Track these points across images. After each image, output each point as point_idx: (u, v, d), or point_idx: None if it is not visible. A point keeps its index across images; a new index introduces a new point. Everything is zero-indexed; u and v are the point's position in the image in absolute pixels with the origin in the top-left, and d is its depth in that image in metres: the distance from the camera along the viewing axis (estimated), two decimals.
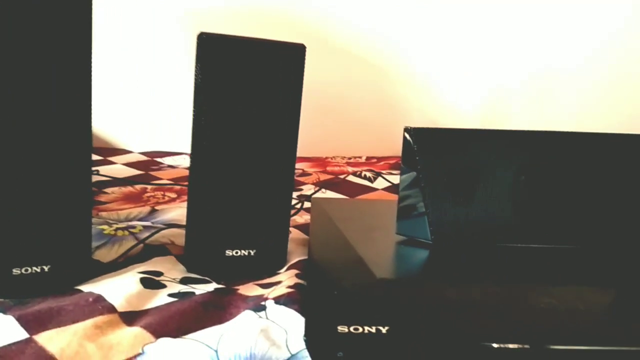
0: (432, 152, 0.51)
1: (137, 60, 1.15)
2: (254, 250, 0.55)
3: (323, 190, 0.90)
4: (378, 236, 0.55)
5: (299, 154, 1.23)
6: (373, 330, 0.37)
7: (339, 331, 0.37)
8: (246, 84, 0.52)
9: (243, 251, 0.55)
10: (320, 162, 1.15)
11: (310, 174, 1.02)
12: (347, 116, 1.24)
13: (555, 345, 0.36)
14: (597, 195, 0.52)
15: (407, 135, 0.51)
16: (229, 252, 0.55)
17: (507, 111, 1.32)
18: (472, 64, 1.29)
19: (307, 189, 0.90)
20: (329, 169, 1.08)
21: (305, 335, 0.36)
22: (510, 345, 0.36)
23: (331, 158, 1.19)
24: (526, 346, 0.36)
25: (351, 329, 0.37)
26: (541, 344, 0.36)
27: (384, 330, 0.37)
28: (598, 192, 0.52)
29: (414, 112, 1.28)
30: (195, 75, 0.51)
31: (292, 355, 0.40)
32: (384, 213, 0.54)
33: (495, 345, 0.36)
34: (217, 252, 0.54)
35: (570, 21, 1.27)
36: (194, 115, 0.52)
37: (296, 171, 1.03)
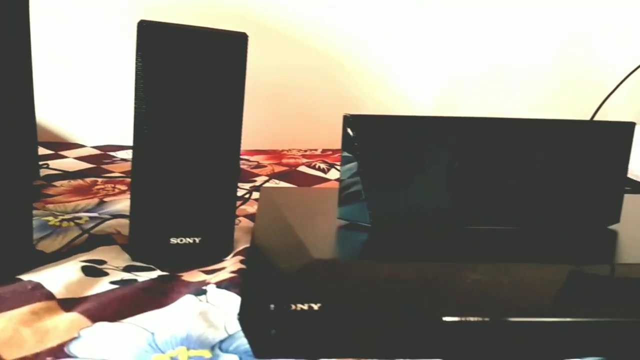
0: (371, 138, 0.52)
1: (91, 54, 1.14)
2: (199, 238, 0.56)
3: (276, 181, 0.91)
4: (320, 221, 0.56)
5: (255, 147, 1.24)
6: (306, 307, 0.38)
7: (272, 309, 0.37)
8: (187, 73, 0.52)
9: (188, 239, 0.55)
10: (276, 154, 1.16)
11: (265, 166, 1.03)
12: (303, 109, 1.25)
13: (478, 317, 0.38)
14: (528, 179, 0.54)
15: (346, 123, 0.52)
16: (173, 240, 0.55)
17: (463, 103, 1.35)
18: (429, 55, 1.31)
19: (261, 181, 0.91)
20: (284, 161, 1.08)
21: (239, 314, 0.37)
22: (436, 318, 0.38)
23: (287, 151, 1.20)
24: (453, 319, 0.38)
25: (284, 306, 0.38)
26: (465, 316, 0.38)
27: (316, 307, 0.38)
28: (528, 176, 0.54)
29: (370, 103, 1.29)
30: (136, 63, 0.51)
31: (230, 336, 0.41)
32: (330, 200, 0.55)
33: (421, 318, 0.38)
34: (162, 240, 0.55)
35: (528, 17, 1.31)
36: (135, 103, 0.52)
37: (251, 163, 1.04)
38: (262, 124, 1.26)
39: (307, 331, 0.38)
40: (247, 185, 0.85)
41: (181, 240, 0.55)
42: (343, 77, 1.28)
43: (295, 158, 1.12)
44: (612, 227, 0.56)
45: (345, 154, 0.53)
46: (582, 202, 0.55)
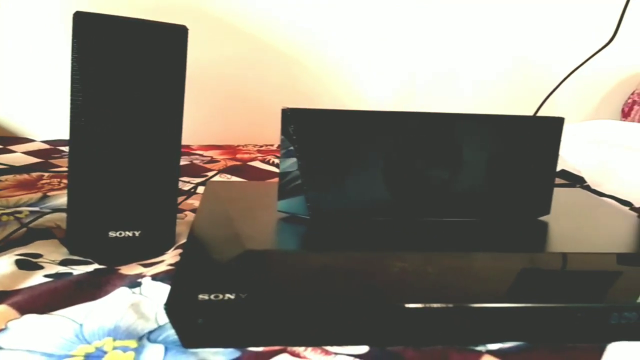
0: (308, 131, 0.53)
1: (42, 47, 1.12)
2: (139, 232, 0.56)
3: (228, 175, 0.91)
4: (261, 214, 0.56)
5: (211, 142, 1.24)
6: (233, 296, 0.38)
7: (200, 299, 0.38)
8: (124, 65, 0.52)
9: (127, 232, 0.55)
10: (231, 149, 1.16)
11: (218, 161, 1.02)
12: (261, 105, 1.25)
13: (402, 303, 0.39)
14: (462, 172, 0.55)
15: (284, 117, 0.53)
16: (112, 234, 0.55)
17: (419, 100, 1.37)
18: (387, 53, 1.32)
19: (219, 176, 0.91)
20: (238, 156, 1.08)
21: (166, 304, 0.37)
22: (360, 305, 0.39)
23: (243, 146, 1.20)
24: (377, 304, 0.39)
25: (212, 296, 0.38)
26: (390, 302, 0.39)
27: (243, 296, 0.38)
28: (462, 169, 0.55)
29: (326, 99, 1.30)
30: (72, 54, 0.51)
31: (160, 327, 0.41)
32: (274, 194, 0.55)
33: (344, 305, 0.39)
34: (100, 234, 0.54)
35: (480, 18, 1.33)
36: (71, 94, 0.51)
37: (204, 158, 1.04)
38: (219, 120, 1.26)
39: (234, 320, 0.38)
40: (198, 180, 0.85)
41: (120, 234, 0.55)
42: (301, 73, 1.29)
43: (250, 153, 1.12)
44: (543, 218, 0.58)
45: (285, 147, 0.53)
46: (514, 194, 0.57)
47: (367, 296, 0.40)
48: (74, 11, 0.51)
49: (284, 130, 0.53)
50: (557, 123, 0.56)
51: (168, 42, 0.54)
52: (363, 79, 1.33)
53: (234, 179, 0.89)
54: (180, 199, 0.71)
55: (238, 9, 1.23)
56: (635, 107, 1.36)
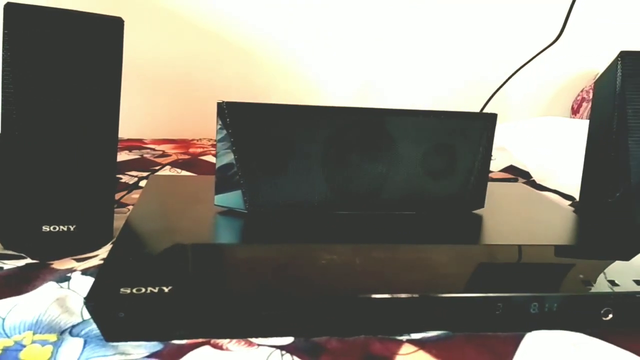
0: (244, 125, 0.53)
1: None
2: (74, 226, 0.55)
3: (177, 170, 0.90)
4: (199, 208, 0.56)
5: (165, 136, 1.23)
6: (156, 290, 0.38)
7: (122, 293, 0.38)
8: (57, 57, 0.51)
9: (62, 227, 0.55)
10: (185, 144, 1.15)
11: (170, 155, 1.02)
12: (216, 99, 1.24)
13: (326, 294, 0.40)
14: (398, 166, 0.56)
15: (220, 110, 0.53)
16: (46, 228, 0.54)
17: (375, 97, 1.38)
18: (345, 51, 1.33)
19: (163, 170, 0.90)
20: (191, 150, 1.08)
21: (86, 297, 0.37)
22: (285, 295, 0.39)
23: (197, 140, 1.19)
24: (301, 295, 0.39)
25: (134, 290, 0.38)
26: (314, 294, 0.40)
27: (166, 289, 0.38)
28: (398, 163, 0.56)
29: (281, 95, 1.31)
30: (2, 45, 0.50)
31: (84, 321, 0.41)
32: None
33: (270, 297, 0.39)
34: (33, 228, 0.54)
35: (434, 19, 1.35)
36: (2, 86, 0.51)
37: (156, 152, 1.03)
38: (174, 114, 1.25)
39: (158, 314, 0.38)
40: (146, 174, 0.84)
41: (54, 228, 0.54)
42: (258, 69, 1.29)
43: (203, 147, 1.12)
44: (477, 211, 0.60)
45: (221, 141, 0.53)
46: (449, 188, 0.58)
47: (292, 288, 0.41)
48: (4, 2, 0.50)
49: (220, 124, 0.53)
50: (490, 119, 0.58)
51: (102, 34, 0.53)
52: (321, 76, 1.33)
53: (184, 173, 0.89)
54: (122, 193, 0.71)
55: (196, 5, 1.22)
56: (584, 104, 1.40)
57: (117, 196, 0.70)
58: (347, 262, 0.45)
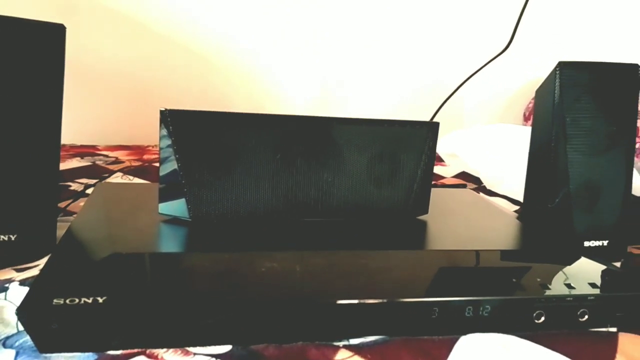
0: (188, 133, 0.53)
1: None
2: (15, 235, 0.54)
3: (129, 177, 0.89)
4: (143, 217, 0.56)
5: (119, 142, 1.21)
6: (90, 300, 0.38)
7: (55, 303, 0.37)
8: None
9: (2, 236, 0.54)
10: (139, 150, 1.14)
11: (123, 162, 1.01)
12: (172, 105, 1.24)
13: (264, 301, 0.40)
14: (343, 174, 0.57)
15: (163, 117, 0.53)
16: None
17: (333, 103, 1.39)
18: (303, 56, 1.34)
19: (114, 177, 0.89)
20: (145, 156, 1.07)
21: (18, 308, 0.37)
22: (222, 303, 0.39)
23: (153, 146, 1.18)
24: (238, 303, 0.40)
25: (67, 300, 0.38)
26: (251, 300, 0.40)
27: (100, 300, 0.38)
28: (343, 171, 0.57)
29: (240, 101, 1.30)
30: None
31: (19, 332, 0.41)
32: None
33: (207, 306, 0.39)
34: None
35: (391, 27, 1.37)
36: None
37: (108, 159, 1.02)
38: (128, 120, 1.24)
39: (92, 324, 0.38)
40: (94, 181, 0.83)
41: None
42: (213, 72, 1.28)
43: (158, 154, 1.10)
44: (421, 217, 0.61)
45: (164, 149, 0.53)
46: (393, 195, 0.59)
47: (229, 295, 0.41)
48: None
49: (164, 132, 0.53)
50: (432, 127, 0.59)
51: (42, 40, 0.52)
52: (281, 81, 1.34)
53: (136, 180, 0.88)
54: (68, 201, 0.69)
55: (152, 10, 1.21)
56: None
57: (63, 204, 0.69)
58: (288, 269, 0.45)
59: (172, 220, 0.55)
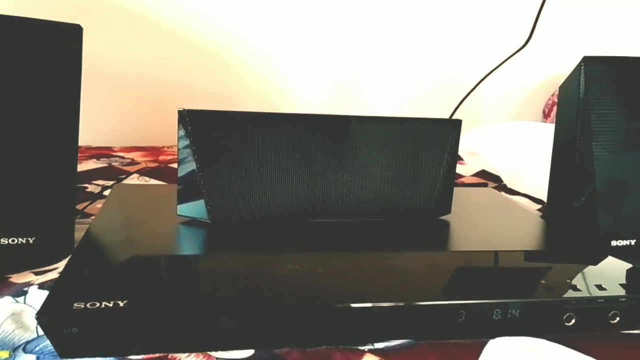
0: (206, 133, 0.52)
1: None
2: (33, 238, 0.54)
3: (146, 178, 0.89)
4: (161, 218, 0.55)
5: (134, 143, 1.21)
6: (110, 304, 0.37)
7: (75, 307, 0.37)
8: (11, 65, 0.50)
9: (20, 239, 0.53)
10: (154, 151, 1.13)
11: (139, 163, 1.00)
12: (187, 105, 1.23)
13: (287, 305, 0.39)
14: (364, 173, 0.56)
15: (181, 117, 0.52)
16: (3, 241, 0.53)
17: (347, 102, 1.38)
18: (316, 55, 1.33)
19: (131, 178, 0.89)
20: (161, 157, 1.06)
21: (38, 313, 0.36)
22: (245, 307, 0.39)
23: (168, 147, 1.18)
24: (262, 307, 0.39)
25: (88, 305, 0.37)
26: (275, 304, 0.39)
27: (121, 304, 0.37)
28: (365, 170, 0.56)
29: (253, 101, 1.30)
30: None
31: (38, 337, 0.40)
32: None
33: (231, 308, 0.39)
34: None
35: (406, 24, 1.36)
36: None
37: (124, 160, 1.01)
38: (144, 121, 1.24)
39: (113, 329, 0.37)
40: (111, 183, 0.83)
41: (13, 241, 0.53)
42: (228, 73, 1.28)
43: (174, 155, 1.10)
44: (444, 217, 0.60)
45: (182, 149, 0.53)
46: (415, 194, 0.58)
47: (252, 299, 0.40)
48: None
49: (182, 132, 0.52)
50: (455, 125, 0.58)
51: (59, 41, 0.52)
52: (295, 81, 1.33)
53: (152, 181, 0.88)
54: (85, 203, 0.69)
55: (166, 10, 1.21)
56: (555, 108, 1.42)
57: (81, 206, 0.69)
58: (310, 271, 0.44)
59: (191, 222, 0.54)
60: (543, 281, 0.46)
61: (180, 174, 0.53)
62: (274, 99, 1.33)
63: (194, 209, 0.53)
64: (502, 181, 0.99)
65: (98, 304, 0.37)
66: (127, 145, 1.18)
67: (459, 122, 0.58)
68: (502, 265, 0.50)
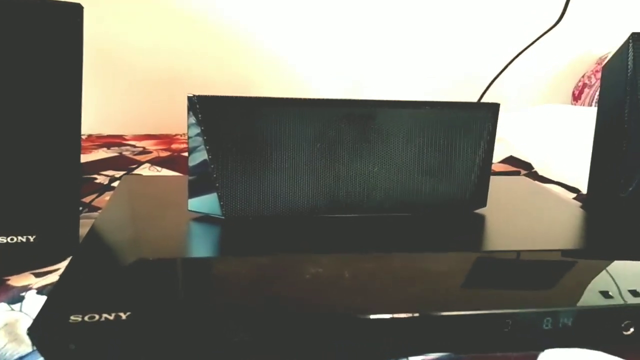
0: (218, 121, 0.47)
1: None
2: (34, 236, 0.50)
3: (158, 168, 0.85)
4: (171, 214, 0.51)
5: (146, 131, 1.17)
6: (112, 317, 0.33)
7: (72, 321, 0.32)
8: (5, 47, 0.46)
9: (20, 237, 0.49)
10: (167, 139, 1.09)
11: (150, 152, 0.96)
12: (200, 92, 1.19)
13: (313, 315, 0.35)
14: (391, 163, 0.51)
15: (191, 104, 0.47)
16: (1, 239, 0.49)
17: (365, 93, 1.33)
18: (331, 43, 1.28)
19: (142, 168, 0.85)
20: (173, 146, 1.02)
21: (30, 328, 0.32)
22: (260, 316, 0.34)
23: (181, 135, 1.14)
24: (284, 318, 0.34)
25: (86, 317, 0.33)
26: (298, 315, 0.35)
27: (124, 316, 0.33)
28: (391, 160, 0.51)
29: (265, 89, 1.26)
30: None
31: (33, 351, 0.36)
32: None
33: (241, 319, 0.34)
34: None
35: (428, 5, 1.30)
36: None
37: (135, 149, 0.97)
38: (156, 108, 1.20)
39: (111, 343, 0.33)
40: (121, 174, 0.79)
41: (11, 239, 0.49)
42: (240, 62, 1.24)
43: (186, 143, 1.06)
44: (479, 211, 0.55)
45: (192, 138, 0.48)
46: (448, 186, 0.53)
47: (269, 309, 0.35)
48: None
49: (191, 120, 0.48)
50: (493, 109, 0.53)
51: (58, 22, 0.47)
52: (310, 71, 1.29)
53: (164, 171, 0.84)
54: (93, 196, 0.65)
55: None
56: (586, 90, 1.35)
57: (88, 199, 0.65)
58: (335, 275, 0.39)
59: (203, 218, 0.50)
60: (597, 285, 0.41)
61: (190, 164, 0.49)
62: (287, 89, 1.28)
63: (206, 204, 0.49)
64: (532, 168, 0.93)
65: (97, 317, 0.33)
66: (139, 133, 1.14)
67: (496, 106, 0.53)
68: (549, 266, 0.45)
